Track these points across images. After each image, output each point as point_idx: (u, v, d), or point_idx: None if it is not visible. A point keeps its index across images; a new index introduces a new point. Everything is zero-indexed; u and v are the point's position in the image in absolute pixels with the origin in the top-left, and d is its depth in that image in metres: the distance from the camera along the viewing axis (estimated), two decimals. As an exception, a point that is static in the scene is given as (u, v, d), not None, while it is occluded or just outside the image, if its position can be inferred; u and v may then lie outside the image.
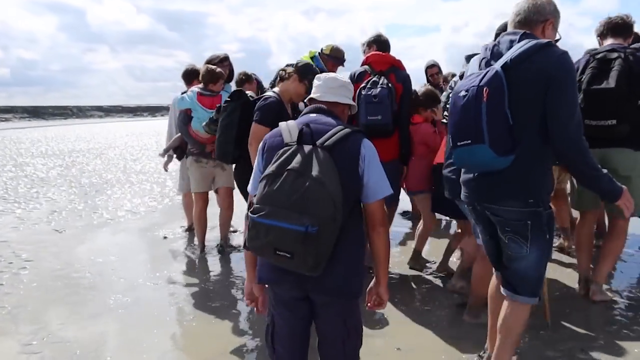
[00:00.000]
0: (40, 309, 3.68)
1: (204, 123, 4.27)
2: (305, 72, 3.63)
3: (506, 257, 2.37)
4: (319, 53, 5.07)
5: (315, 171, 1.83)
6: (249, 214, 1.89)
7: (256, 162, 2.16)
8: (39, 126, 32.21)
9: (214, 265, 4.67)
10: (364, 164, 1.98)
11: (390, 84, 3.82)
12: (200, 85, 4.64)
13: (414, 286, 4.04)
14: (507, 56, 2.16)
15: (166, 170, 5.65)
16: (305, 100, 2.38)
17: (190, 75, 5.25)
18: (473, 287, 3.31)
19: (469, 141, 2.17)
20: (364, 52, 4.20)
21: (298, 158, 1.88)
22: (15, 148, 16.91)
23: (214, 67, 4.60)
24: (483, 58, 2.32)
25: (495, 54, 2.26)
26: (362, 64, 4.01)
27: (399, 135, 3.96)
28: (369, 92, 3.79)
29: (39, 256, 4.90)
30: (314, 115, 2.12)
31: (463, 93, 2.19)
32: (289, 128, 2.05)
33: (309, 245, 1.79)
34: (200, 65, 5.00)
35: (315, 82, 2.25)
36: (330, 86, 2.21)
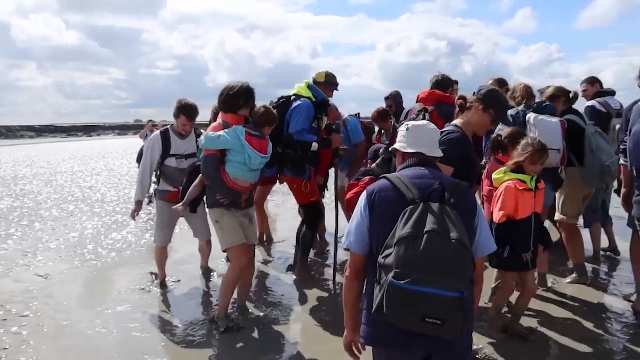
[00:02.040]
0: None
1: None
2: (490, 101, 3.06)
3: None
4: (313, 81, 4.93)
5: (454, 232, 1.78)
6: (392, 279, 1.74)
7: (359, 216, 2.04)
8: (-35, 148, 29.89)
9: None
10: (477, 219, 1.97)
11: (429, 120, 3.80)
12: (248, 125, 3.79)
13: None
14: None
15: (134, 219, 4.85)
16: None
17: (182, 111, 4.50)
18: None
19: None
20: None
21: (432, 218, 1.80)
22: (-52, 175, 15.49)
23: (271, 108, 3.89)
24: None
25: None
26: (416, 102, 4.02)
27: None
28: None
29: (34, 310, 4.38)
30: (423, 169, 2.06)
31: None
32: (404, 182, 1.97)
33: (463, 310, 1.73)
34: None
35: (415, 133, 2.17)
36: (433, 139, 2.19)
